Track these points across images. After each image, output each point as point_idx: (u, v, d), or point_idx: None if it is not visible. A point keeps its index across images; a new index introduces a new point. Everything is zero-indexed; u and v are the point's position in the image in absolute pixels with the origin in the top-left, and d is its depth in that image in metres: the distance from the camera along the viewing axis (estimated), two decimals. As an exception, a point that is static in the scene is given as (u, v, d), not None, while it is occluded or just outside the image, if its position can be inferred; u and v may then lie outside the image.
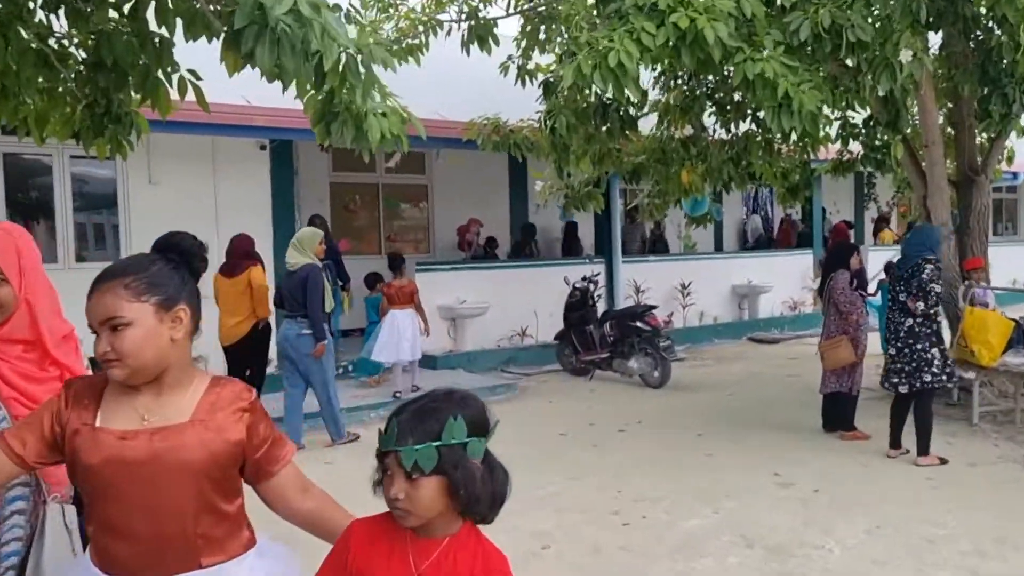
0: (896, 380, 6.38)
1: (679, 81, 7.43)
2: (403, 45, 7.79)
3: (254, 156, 9.37)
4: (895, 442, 6.46)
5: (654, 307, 9.47)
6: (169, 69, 4.62)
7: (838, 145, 9.05)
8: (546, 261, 11.99)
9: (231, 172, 9.24)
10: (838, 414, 7.08)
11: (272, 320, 7.97)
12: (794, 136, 8.11)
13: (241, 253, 7.67)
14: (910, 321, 6.26)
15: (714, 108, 8.00)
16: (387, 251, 12.67)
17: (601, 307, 11.98)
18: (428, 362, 10.45)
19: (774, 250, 15.15)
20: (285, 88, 3.71)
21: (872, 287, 8.85)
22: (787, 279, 14.42)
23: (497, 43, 7.58)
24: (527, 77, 7.17)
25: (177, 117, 8.45)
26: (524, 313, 11.30)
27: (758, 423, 7.62)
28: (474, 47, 7.51)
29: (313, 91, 4.14)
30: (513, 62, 7.48)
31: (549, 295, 10.71)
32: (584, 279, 10.36)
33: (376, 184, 12.79)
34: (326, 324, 7.18)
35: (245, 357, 7.68)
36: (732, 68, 5.14)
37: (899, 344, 6.37)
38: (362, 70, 3.80)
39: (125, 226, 8.68)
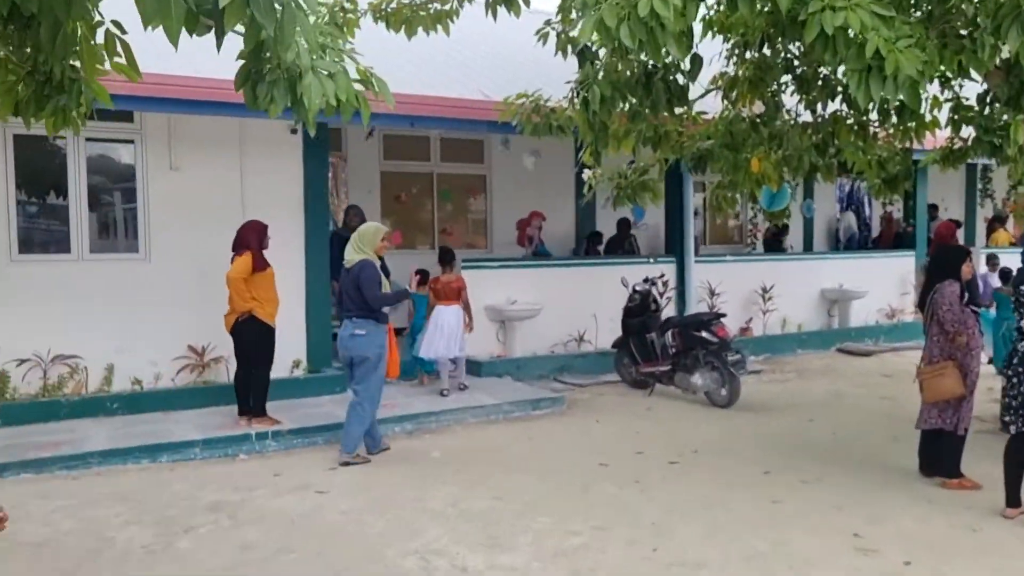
0: (1009, 418, 5.02)
1: (751, 53, 6.16)
2: (430, 11, 6.78)
3: (286, 140, 8.55)
4: (1013, 499, 5.08)
5: (722, 315, 8.20)
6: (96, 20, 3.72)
7: (948, 132, 7.58)
8: (608, 260, 10.81)
9: (260, 158, 8.45)
10: (939, 456, 5.72)
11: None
12: (891, 114, 6.83)
13: (238, 241, 7.01)
14: (1031, 345, 4.91)
15: (794, 84, 6.71)
16: (440, 245, 11.78)
17: (671, 312, 10.77)
18: (473, 367, 9.46)
19: (870, 250, 13.50)
20: (173, 37, 2.71)
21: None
22: (884, 283, 12.79)
23: (528, 4, 6.47)
24: (568, 46, 6.06)
25: (195, 95, 7.82)
26: (582, 317, 10.18)
27: (840, 460, 6.31)
28: (501, 11, 6.42)
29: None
30: (552, 28, 6.36)
31: (611, 297, 9.54)
32: (646, 280, 9.16)
33: (431, 173, 11.86)
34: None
35: (241, 352, 7.16)
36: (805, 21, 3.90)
37: (1013, 372, 5.01)
38: (277, 6, 2.78)
39: (144, 215, 7.99)
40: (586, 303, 10.22)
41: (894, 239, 14.37)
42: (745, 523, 4.97)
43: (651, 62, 4.85)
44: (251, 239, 7.02)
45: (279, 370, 8.50)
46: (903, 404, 8.20)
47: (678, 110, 6.77)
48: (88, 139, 7.82)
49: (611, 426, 7.48)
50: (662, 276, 9.48)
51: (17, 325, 7.36)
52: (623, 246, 12.47)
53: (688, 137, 6.77)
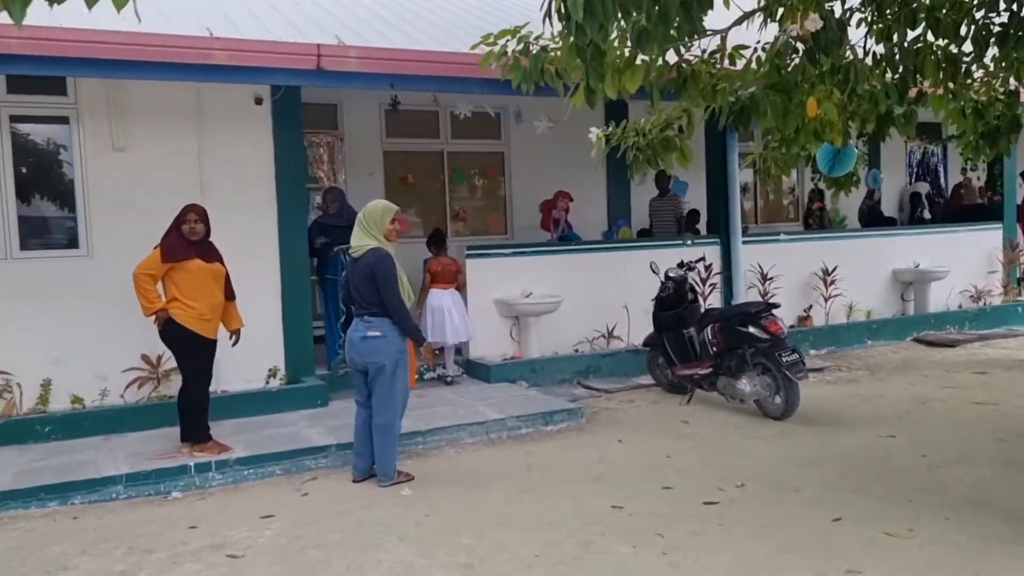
0: None
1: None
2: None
3: (251, 112, 7.15)
4: None
5: (774, 305, 6.51)
6: None
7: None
8: (640, 243, 9.17)
9: (221, 134, 7.07)
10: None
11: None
12: (991, 43, 5.10)
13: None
14: None
15: (866, 7, 5.01)
16: (455, 232, 10.31)
17: (716, 301, 9.11)
18: (480, 372, 7.98)
19: (952, 224, 11.54)
20: None
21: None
22: (967, 262, 10.86)
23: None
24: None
25: (138, 55, 6.42)
26: (611, 309, 8.60)
27: (937, 499, 4.62)
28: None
29: None
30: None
31: (645, 285, 7.93)
32: (681, 264, 7.52)
33: (441, 152, 10.37)
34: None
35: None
36: None
37: None
38: None
39: (83, 205, 6.68)
40: (616, 293, 8.63)
41: (974, 210, 12.36)
42: (808, 611, 3.37)
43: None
44: (171, 227, 5.66)
45: (252, 381, 7.22)
46: (1009, 412, 6.43)
47: (707, 43, 5.15)
48: (13, 117, 6.55)
49: (636, 447, 5.90)
50: (702, 259, 7.83)
51: (-71, 338, 6.15)
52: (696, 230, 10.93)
53: (722, 79, 5.11)
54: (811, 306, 9.81)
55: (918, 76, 5.28)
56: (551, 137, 9.99)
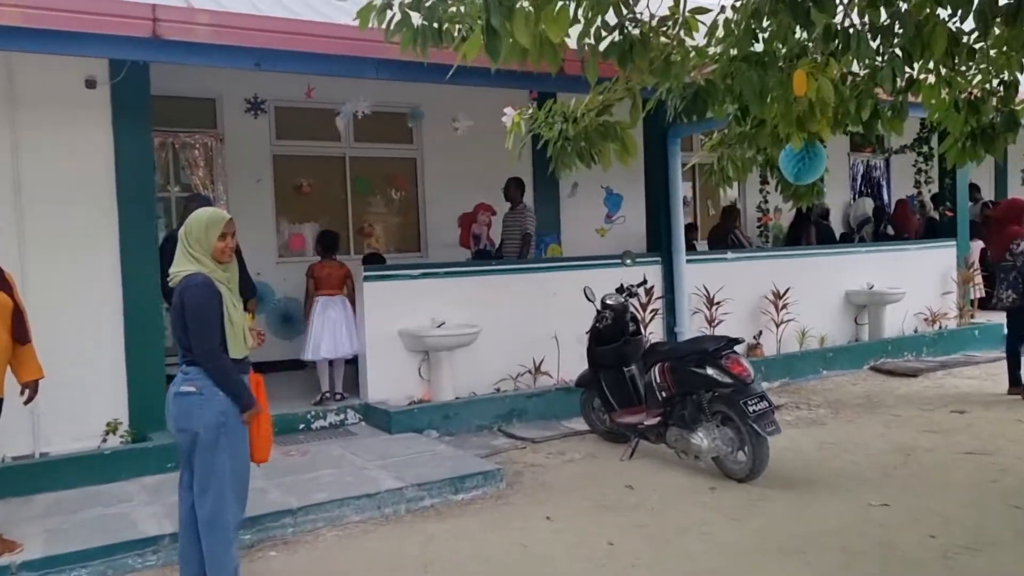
0: None
1: None
2: None
3: (83, 100, 5.58)
4: None
5: (736, 341, 5.26)
6: None
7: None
8: (571, 262, 7.85)
9: (43, 127, 5.48)
10: None
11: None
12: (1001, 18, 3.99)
13: None
14: None
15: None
16: (365, 250, 8.84)
17: (657, 329, 7.86)
18: (380, 419, 6.52)
19: (903, 242, 10.63)
20: None
21: None
22: (921, 281, 9.91)
23: None
24: None
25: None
26: (538, 339, 7.25)
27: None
28: None
29: None
30: None
31: (578, 311, 6.60)
32: (620, 289, 6.21)
33: (342, 157, 8.88)
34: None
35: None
36: None
37: None
38: None
39: None
40: (544, 321, 7.29)
41: (925, 227, 11.52)
42: None
43: None
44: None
45: (83, 439, 5.63)
46: (1009, 466, 5.30)
47: (657, 4, 3.86)
48: None
49: (569, 528, 4.52)
50: (644, 283, 6.55)
51: None
52: (727, 240, 9.89)
53: (678, 50, 3.83)
54: (761, 332, 8.66)
55: (922, 55, 4.09)
56: (471, 141, 8.65)
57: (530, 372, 7.19)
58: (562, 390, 7.05)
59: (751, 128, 4.63)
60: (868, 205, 12.43)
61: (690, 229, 10.59)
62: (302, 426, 6.49)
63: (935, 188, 11.47)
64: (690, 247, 10.01)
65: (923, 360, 9.22)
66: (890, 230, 11.58)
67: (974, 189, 11.29)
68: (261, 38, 5.15)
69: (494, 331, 7.04)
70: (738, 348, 5.32)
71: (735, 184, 11.79)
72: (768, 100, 3.77)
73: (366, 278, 6.67)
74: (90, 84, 5.54)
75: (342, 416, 6.66)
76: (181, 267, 3.60)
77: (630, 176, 9.05)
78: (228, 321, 3.57)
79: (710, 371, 5.07)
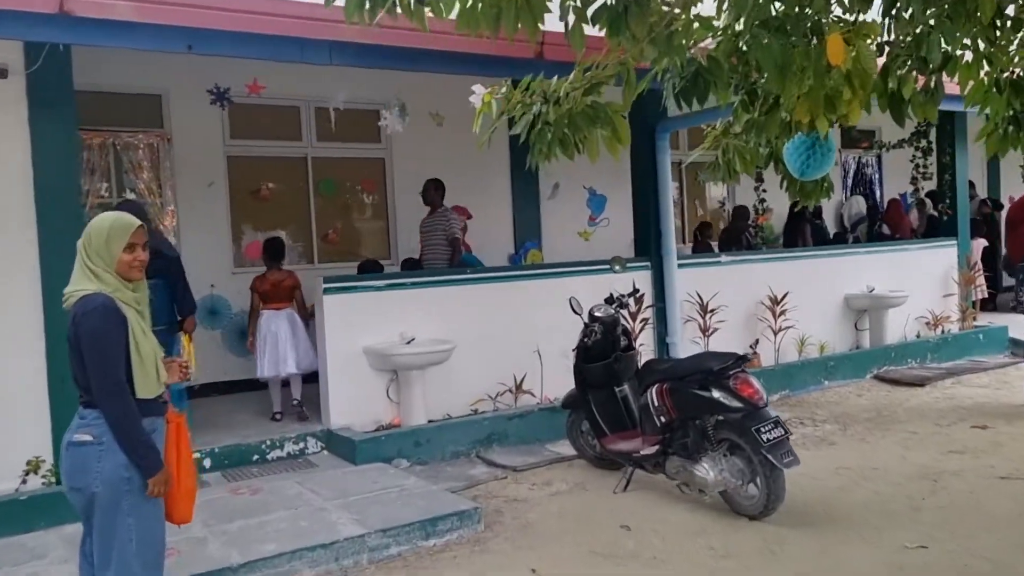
0: None
1: None
2: None
3: (-10, 91, 4.83)
4: None
5: (745, 358, 4.59)
6: None
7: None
8: (553, 269, 7.17)
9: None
10: None
11: None
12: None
13: None
14: None
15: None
16: (325, 257, 8.13)
17: (647, 339, 7.22)
18: (344, 448, 5.80)
19: (902, 242, 10.06)
20: None
21: None
22: (922, 284, 9.33)
23: None
24: None
25: None
26: (519, 355, 6.57)
27: None
28: None
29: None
30: None
31: (563, 322, 5.92)
32: (610, 300, 5.53)
33: (304, 158, 8.15)
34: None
35: None
36: None
37: None
38: None
39: None
40: (525, 334, 6.61)
41: (918, 225, 10.97)
42: None
43: None
44: None
45: (1, 479, 4.86)
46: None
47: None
48: None
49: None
50: (636, 292, 5.87)
51: None
52: (740, 241, 9.58)
53: (680, 18, 3.16)
54: (757, 341, 8.03)
55: (965, 23, 3.45)
56: (444, 140, 7.97)
57: (511, 391, 6.50)
58: (546, 410, 6.37)
59: (761, 114, 3.97)
60: (862, 203, 11.88)
61: (704, 227, 10.11)
62: (256, 457, 5.76)
63: (932, 185, 10.91)
64: (707, 248, 9.55)
65: (928, 367, 8.63)
66: (885, 229, 11.02)
67: (969, 186, 10.76)
68: (193, 16, 4.42)
69: (470, 347, 6.35)
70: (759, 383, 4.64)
71: (722, 183, 11.24)
72: (786, 75, 3.10)
73: (326, 290, 5.95)
74: (0, 73, 4.79)
75: (301, 444, 5.93)
76: (77, 286, 2.89)
77: (615, 176, 8.42)
78: (135, 352, 2.86)
79: (716, 393, 4.40)
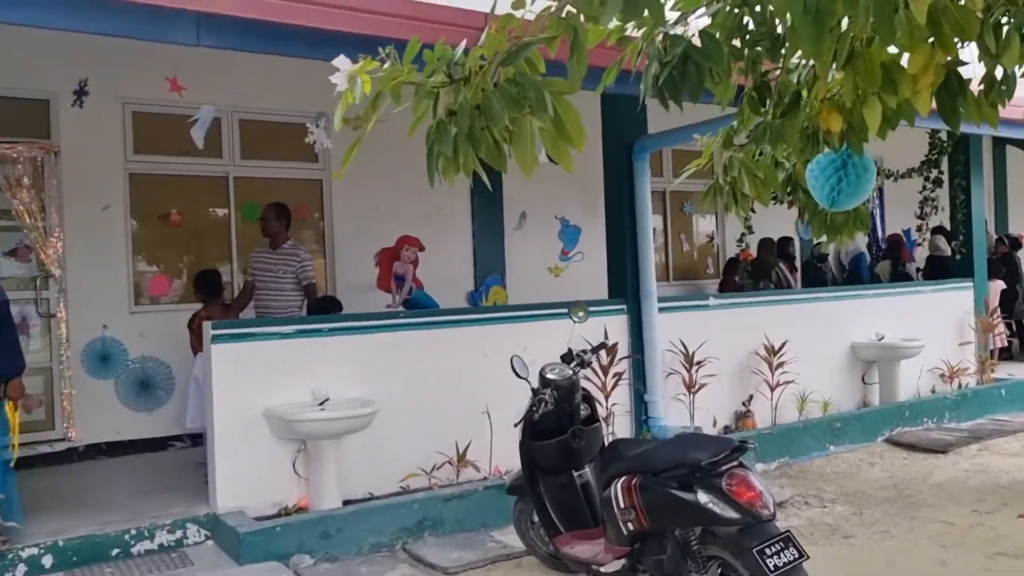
0: None
1: None
2: None
3: None
4: None
5: (745, 446, 3.36)
6: None
7: None
8: (508, 313, 5.94)
9: None
10: None
11: None
12: None
13: None
14: None
15: None
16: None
17: (622, 399, 6.00)
18: (229, 542, 4.50)
19: (915, 283, 8.91)
20: None
21: None
22: (936, 331, 8.14)
23: None
24: None
25: None
26: (463, 417, 5.30)
27: None
28: None
29: None
30: None
31: (514, 380, 4.66)
32: (568, 357, 4.28)
33: (225, 177, 6.93)
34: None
35: None
36: None
37: None
38: None
39: None
40: (472, 392, 5.36)
41: (934, 264, 9.83)
42: None
43: None
44: None
45: None
46: None
47: None
48: None
49: None
50: (604, 345, 4.63)
51: None
52: (769, 276, 8.60)
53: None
54: (751, 397, 6.81)
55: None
56: (393, 158, 6.77)
57: (450, 463, 5.23)
58: (494, 487, 5.09)
59: (776, 116, 2.79)
60: (860, 240, 10.75)
61: (733, 264, 9.04)
62: (116, 551, 4.45)
63: (943, 219, 9.80)
64: (735, 288, 8.45)
65: (947, 428, 7.42)
66: (909, 268, 9.92)
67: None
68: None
69: (402, 407, 5.11)
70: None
71: (713, 213, 10.08)
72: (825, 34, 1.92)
73: (215, 339, 4.68)
74: None
75: (179, 533, 4.63)
76: None
77: (591, 205, 7.27)
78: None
79: (703, 497, 3.15)
